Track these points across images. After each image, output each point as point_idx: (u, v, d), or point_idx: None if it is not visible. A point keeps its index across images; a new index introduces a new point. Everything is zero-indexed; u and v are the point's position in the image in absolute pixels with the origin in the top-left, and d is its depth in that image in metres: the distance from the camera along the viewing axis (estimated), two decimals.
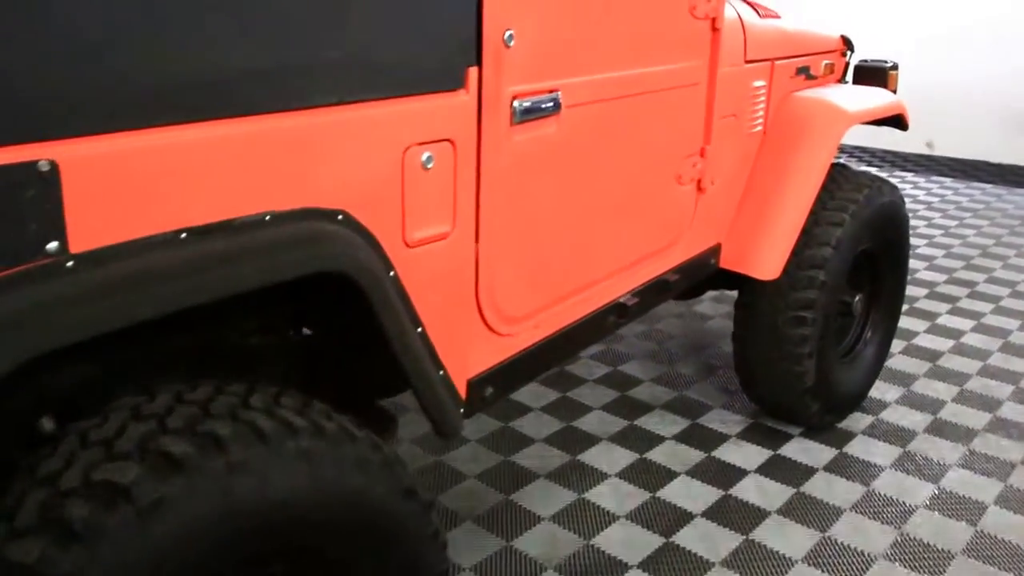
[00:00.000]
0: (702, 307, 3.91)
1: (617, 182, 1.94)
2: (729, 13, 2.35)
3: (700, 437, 2.90)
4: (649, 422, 2.99)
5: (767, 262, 2.46)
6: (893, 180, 6.50)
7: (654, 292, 2.19)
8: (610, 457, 2.77)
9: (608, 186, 1.91)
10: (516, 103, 1.59)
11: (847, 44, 3.05)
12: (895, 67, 3.09)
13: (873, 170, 6.74)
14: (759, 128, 2.55)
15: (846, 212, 2.67)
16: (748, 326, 2.74)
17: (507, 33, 1.53)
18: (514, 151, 1.62)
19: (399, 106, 1.39)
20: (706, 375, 3.32)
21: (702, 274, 2.43)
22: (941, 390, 3.27)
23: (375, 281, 1.38)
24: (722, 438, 2.90)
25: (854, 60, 3.15)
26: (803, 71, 2.77)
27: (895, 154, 7.00)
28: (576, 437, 2.88)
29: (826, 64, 2.93)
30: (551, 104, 1.66)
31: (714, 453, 2.81)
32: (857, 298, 2.91)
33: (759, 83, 2.48)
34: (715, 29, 2.15)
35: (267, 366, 1.67)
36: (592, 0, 1.73)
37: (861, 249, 2.85)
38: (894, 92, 3.11)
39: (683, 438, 2.90)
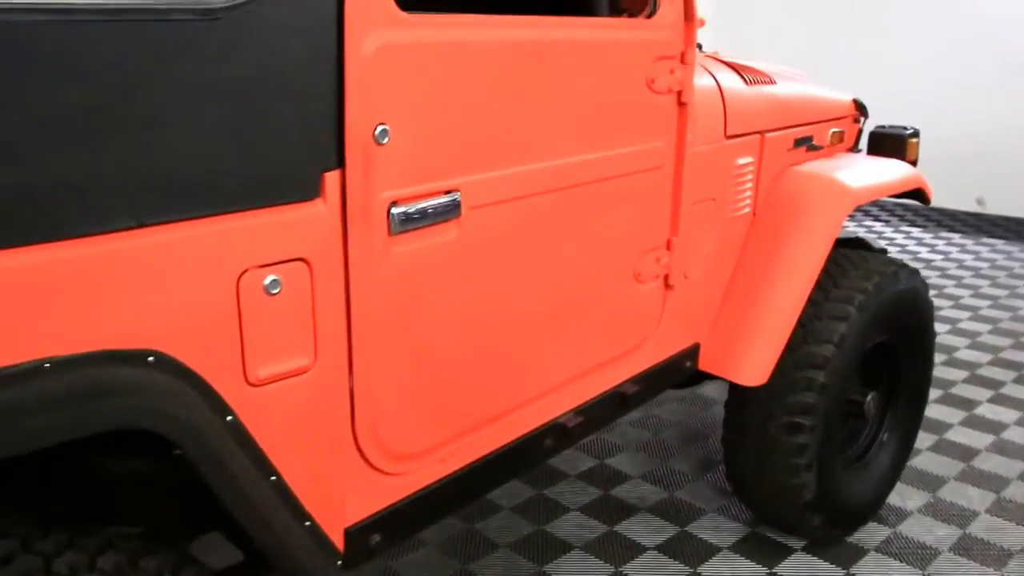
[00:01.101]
0: (706, 389, 3.57)
1: (549, 288, 1.66)
2: (705, 82, 2.06)
3: (687, 549, 2.56)
4: (632, 528, 2.66)
5: (752, 366, 2.14)
6: (939, 242, 6.06)
7: (607, 407, 1.89)
8: (582, 568, 2.45)
9: (536, 293, 1.63)
10: (395, 210, 1.32)
11: (860, 109, 2.72)
12: (915, 134, 2.75)
13: (916, 231, 6.32)
14: (746, 210, 2.24)
15: (852, 304, 2.33)
16: (738, 430, 2.41)
17: (379, 128, 1.27)
18: (396, 266, 1.36)
19: (228, 224, 1.15)
20: (703, 472, 2.98)
21: (673, 380, 2.12)
22: (974, 498, 2.86)
23: (195, 434, 1.13)
24: (711, 551, 2.56)
25: (870, 125, 2.82)
26: (804, 142, 2.46)
27: (942, 212, 6.54)
28: (546, 543, 2.57)
29: (834, 132, 2.61)
30: (447, 207, 1.39)
31: (700, 569, 2.47)
32: (870, 397, 2.55)
33: (744, 160, 2.18)
34: (682, 104, 1.86)
35: (135, 493, 1.45)
36: (506, 79, 1.46)
37: (874, 343, 2.51)
38: (914, 162, 2.77)
39: (667, 549, 2.56)
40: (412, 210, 1.34)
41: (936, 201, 2.80)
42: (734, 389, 2.36)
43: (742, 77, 2.21)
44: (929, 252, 5.81)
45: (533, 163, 1.54)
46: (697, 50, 2.43)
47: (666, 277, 1.97)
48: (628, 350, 1.91)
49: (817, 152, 2.55)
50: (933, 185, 2.73)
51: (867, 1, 6.57)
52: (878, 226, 6.48)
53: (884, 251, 2.99)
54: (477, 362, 1.54)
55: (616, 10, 1.87)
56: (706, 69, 2.10)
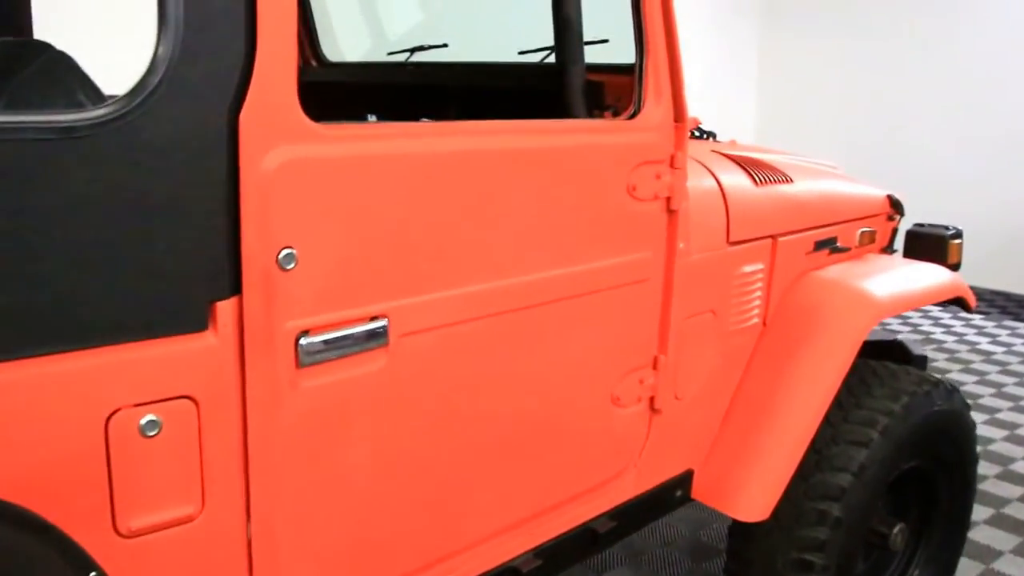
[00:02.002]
0: None
1: (504, 418, 1.48)
2: (705, 183, 1.88)
3: None
4: None
5: (750, 499, 1.91)
6: (1001, 331, 5.66)
7: (575, 547, 1.68)
8: None
9: (487, 425, 1.45)
10: (304, 340, 1.17)
11: (894, 206, 2.50)
12: (957, 235, 2.51)
13: (977, 318, 5.93)
14: (754, 321, 2.03)
15: (875, 428, 2.09)
16: (743, 562, 2.16)
17: (283, 252, 1.13)
18: (306, 401, 1.20)
19: (94, 359, 1.01)
20: None
21: (660, 512, 1.90)
22: None
23: None
24: None
25: (907, 224, 2.59)
26: (826, 244, 2.24)
27: (1007, 297, 6.15)
28: None
29: (864, 232, 2.39)
30: (370, 335, 1.24)
31: None
32: (897, 529, 2.27)
33: (752, 267, 1.98)
34: (671, 211, 1.69)
35: None
36: (446, 193, 1.30)
37: (903, 469, 2.25)
38: (955, 266, 2.52)
39: None
40: (325, 340, 1.19)
41: (1004, 283, 2.54)
42: None
43: (751, 176, 2.02)
44: (990, 343, 5.44)
45: (482, 283, 1.37)
46: (701, 144, 2.27)
47: (652, 400, 1.77)
48: (602, 482, 1.70)
49: (843, 255, 2.33)
50: (998, 269, 2.45)
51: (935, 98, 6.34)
52: (936, 310, 6.12)
53: (924, 359, 2.73)
54: (408, 505, 1.37)
55: (600, 106, 1.72)
56: (707, 168, 1.92)
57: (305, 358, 1.17)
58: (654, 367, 1.75)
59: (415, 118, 1.67)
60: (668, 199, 1.67)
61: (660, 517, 1.90)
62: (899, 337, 2.81)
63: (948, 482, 2.39)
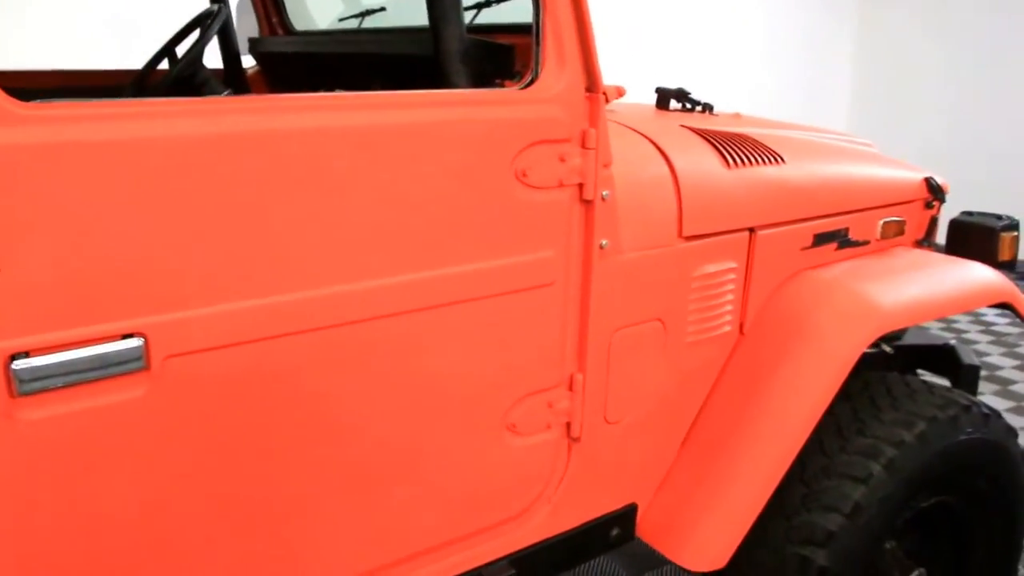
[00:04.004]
0: None
1: (336, 453, 1.23)
2: (649, 166, 1.56)
3: None
4: None
5: (702, 544, 1.59)
6: None
7: None
8: None
9: (310, 462, 1.20)
10: (18, 364, 0.95)
11: (933, 191, 2.08)
12: (1012, 226, 2.07)
13: None
14: (725, 329, 1.70)
15: (877, 461, 1.72)
16: None
17: None
18: (28, 437, 0.98)
19: None
20: None
21: (588, 554, 1.61)
22: None
23: None
24: None
25: (951, 211, 2.17)
26: (833, 238, 1.87)
27: None
28: None
29: (888, 223, 1.99)
30: (118, 358, 1.01)
31: None
32: (916, 573, 1.90)
33: (719, 267, 1.64)
34: (585, 201, 1.38)
35: None
36: (238, 178, 1.06)
37: (921, 508, 1.87)
38: (1010, 264, 2.09)
39: None
40: (50, 362, 0.97)
41: None
42: None
43: (722, 155, 1.68)
44: None
45: (291, 292, 1.12)
46: (670, 116, 1.91)
47: (568, 426, 1.48)
48: (498, 522, 1.43)
49: (857, 249, 1.95)
50: None
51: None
52: None
53: (975, 370, 2.30)
54: (191, 563, 1.14)
55: (508, 75, 1.43)
56: (657, 147, 1.59)
57: (23, 385, 0.96)
58: (569, 388, 1.46)
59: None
60: (580, 186, 1.37)
61: (590, 559, 1.61)
62: (952, 341, 2.39)
63: (985, 522, 1.98)
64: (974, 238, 2.09)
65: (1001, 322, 4.89)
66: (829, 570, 1.67)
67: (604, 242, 1.43)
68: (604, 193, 1.40)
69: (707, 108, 2.05)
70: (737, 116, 2.11)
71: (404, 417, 1.27)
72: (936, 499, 1.89)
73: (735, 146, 1.73)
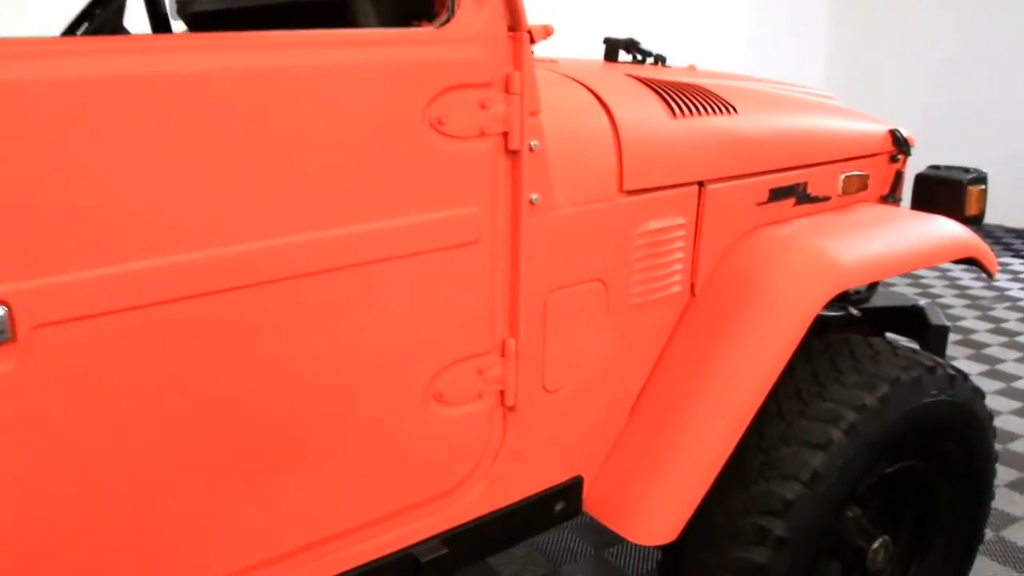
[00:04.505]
0: None
1: (239, 426, 1.13)
2: (586, 115, 1.45)
3: None
4: None
5: (649, 518, 1.50)
6: None
7: None
8: None
9: (209, 436, 1.10)
10: None
11: (898, 144, 1.98)
12: (979, 179, 1.98)
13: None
14: (675, 290, 1.60)
15: (837, 426, 1.64)
16: None
17: None
18: None
19: None
20: None
21: (531, 530, 1.52)
22: None
23: None
24: None
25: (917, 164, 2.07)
26: (789, 193, 1.77)
27: None
28: None
29: (850, 177, 1.90)
30: None
31: None
32: (879, 542, 1.82)
33: (665, 223, 1.54)
34: (511, 152, 1.28)
35: None
36: (96, 128, 0.95)
37: (886, 472, 1.80)
38: (976, 218, 2.00)
39: None
40: None
41: None
42: None
43: (670, 104, 1.57)
44: None
45: (177, 253, 1.02)
46: (618, 67, 1.81)
47: (502, 394, 1.38)
48: (427, 499, 1.34)
49: (818, 205, 1.85)
50: None
51: None
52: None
53: (943, 331, 2.22)
54: (71, 547, 1.04)
55: (427, 15, 1.32)
56: (595, 95, 1.48)
57: None
58: (501, 354, 1.36)
59: None
60: (505, 135, 1.26)
61: (533, 535, 1.53)
62: (922, 303, 2.31)
63: (952, 487, 1.91)
64: (940, 192, 2.00)
65: (976, 285, 4.83)
66: (788, 540, 1.59)
67: (534, 196, 1.32)
68: (532, 143, 1.30)
69: (659, 60, 1.94)
70: (691, 68, 2.01)
71: (316, 387, 1.17)
72: (901, 464, 1.82)
73: (683, 95, 1.62)
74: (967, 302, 4.57)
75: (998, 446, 3.08)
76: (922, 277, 4.99)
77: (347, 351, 1.19)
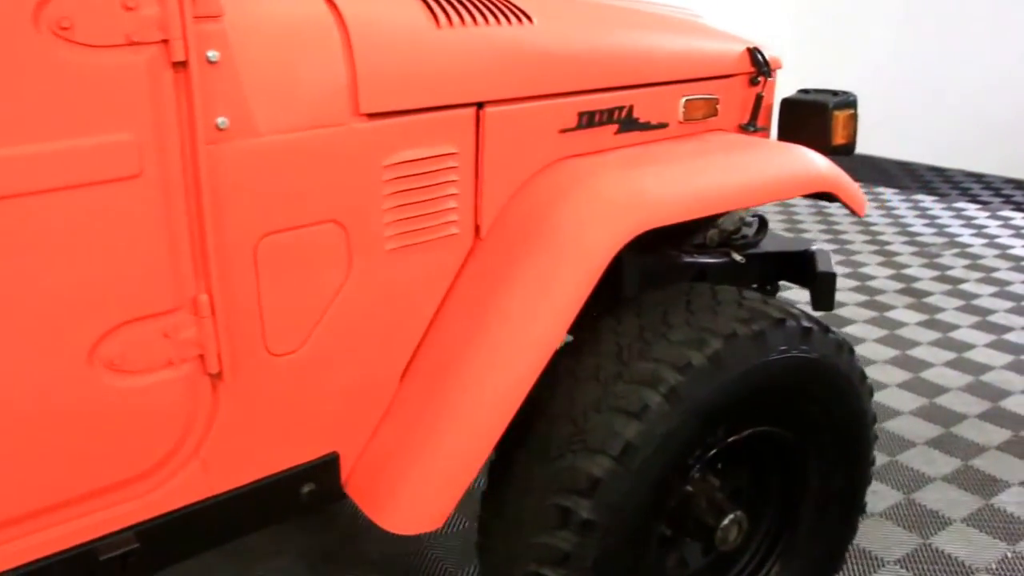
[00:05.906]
0: None
1: None
2: (301, 17, 1.20)
3: None
4: None
5: (405, 503, 1.28)
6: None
7: None
8: None
9: None
10: None
11: (757, 64, 1.72)
12: (847, 103, 1.72)
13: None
14: (451, 232, 1.37)
15: (656, 389, 1.41)
16: (486, 568, 1.57)
17: None
18: None
19: None
20: None
21: (267, 519, 1.30)
22: None
23: None
24: None
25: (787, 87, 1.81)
26: (608, 118, 1.52)
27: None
28: None
29: (692, 101, 1.64)
30: None
31: None
32: (730, 518, 1.60)
33: (424, 153, 1.30)
34: (176, 64, 1.04)
35: None
36: None
37: (732, 441, 1.57)
38: (846, 147, 1.75)
39: None
40: None
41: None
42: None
43: (432, 8, 1.31)
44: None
45: None
46: None
47: (202, 359, 1.16)
48: (112, 484, 1.12)
49: (651, 132, 1.60)
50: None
51: None
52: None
53: (830, 277, 1.98)
54: None
55: None
56: None
57: None
58: (195, 311, 1.13)
59: None
60: (164, 43, 1.02)
61: (274, 523, 1.31)
62: (814, 247, 2.07)
63: (819, 454, 1.69)
64: (805, 118, 1.74)
65: (977, 243, 4.53)
66: (595, 523, 1.37)
67: (222, 120, 1.09)
68: (211, 55, 1.06)
69: None
70: None
71: None
72: (751, 431, 1.59)
73: (456, 0, 1.37)
74: (967, 262, 4.27)
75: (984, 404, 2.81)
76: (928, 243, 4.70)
77: None
